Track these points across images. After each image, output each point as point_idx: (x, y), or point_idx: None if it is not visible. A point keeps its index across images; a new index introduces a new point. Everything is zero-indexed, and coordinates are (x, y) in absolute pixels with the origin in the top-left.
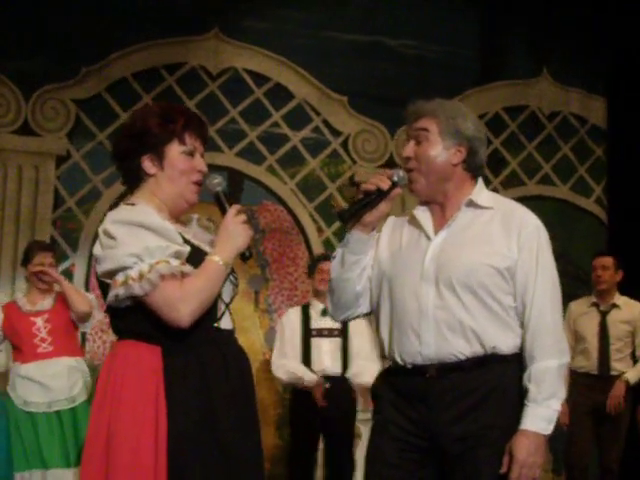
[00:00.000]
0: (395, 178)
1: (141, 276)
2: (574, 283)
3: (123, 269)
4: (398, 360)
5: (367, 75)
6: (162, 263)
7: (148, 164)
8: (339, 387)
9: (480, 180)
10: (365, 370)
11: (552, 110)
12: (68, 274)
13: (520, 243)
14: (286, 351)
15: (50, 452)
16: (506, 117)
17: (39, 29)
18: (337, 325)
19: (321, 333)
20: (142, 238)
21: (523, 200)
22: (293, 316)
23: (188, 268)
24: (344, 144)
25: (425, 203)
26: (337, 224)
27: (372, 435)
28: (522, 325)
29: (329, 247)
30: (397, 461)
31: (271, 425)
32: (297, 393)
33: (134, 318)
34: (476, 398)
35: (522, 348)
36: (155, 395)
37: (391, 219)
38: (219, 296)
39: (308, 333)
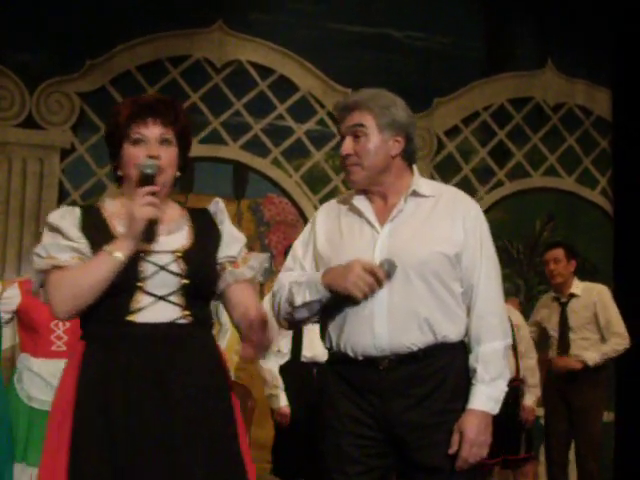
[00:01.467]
0: (387, 275)
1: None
2: (579, 274)
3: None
4: (348, 352)
5: (372, 67)
6: (47, 259)
7: (118, 168)
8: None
9: (415, 168)
10: None
11: (557, 101)
12: None
13: (465, 228)
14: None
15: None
16: (511, 109)
17: (43, 22)
18: None
19: None
20: (46, 237)
21: (528, 191)
22: None
23: (71, 262)
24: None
25: (363, 192)
26: None
27: (327, 430)
28: (467, 309)
29: None
30: (358, 456)
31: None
32: (283, 380)
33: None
34: (430, 386)
35: (467, 332)
36: (69, 392)
37: (324, 207)
38: (139, 288)
39: None
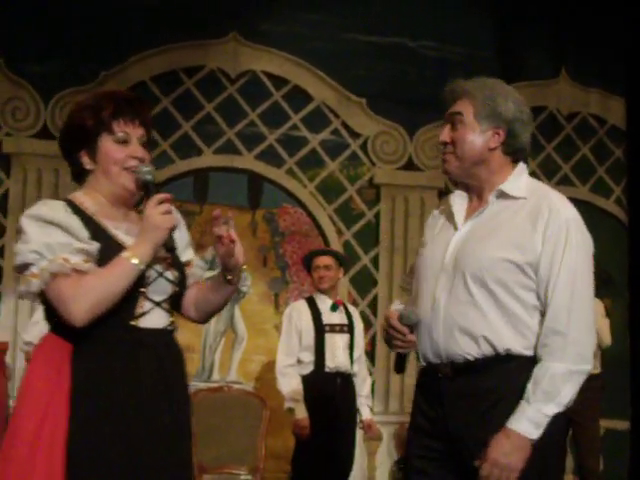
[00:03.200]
0: (409, 326)
1: (40, 273)
2: (595, 284)
3: (27, 265)
4: (422, 361)
5: (386, 77)
6: (59, 260)
7: (86, 160)
8: (348, 384)
9: (521, 165)
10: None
11: (571, 111)
12: None
13: (546, 236)
14: (293, 348)
15: None
16: None
17: (58, 33)
18: (345, 321)
19: (334, 329)
20: (46, 234)
21: None
22: (304, 310)
23: (87, 266)
24: (363, 146)
25: (464, 187)
26: (356, 226)
27: (408, 440)
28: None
29: (348, 249)
30: (422, 466)
31: (289, 426)
32: (306, 393)
33: (51, 312)
34: (488, 401)
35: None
36: (59, 395)
37: (431, 215)
38: (142, 294)
39: (322, 328)
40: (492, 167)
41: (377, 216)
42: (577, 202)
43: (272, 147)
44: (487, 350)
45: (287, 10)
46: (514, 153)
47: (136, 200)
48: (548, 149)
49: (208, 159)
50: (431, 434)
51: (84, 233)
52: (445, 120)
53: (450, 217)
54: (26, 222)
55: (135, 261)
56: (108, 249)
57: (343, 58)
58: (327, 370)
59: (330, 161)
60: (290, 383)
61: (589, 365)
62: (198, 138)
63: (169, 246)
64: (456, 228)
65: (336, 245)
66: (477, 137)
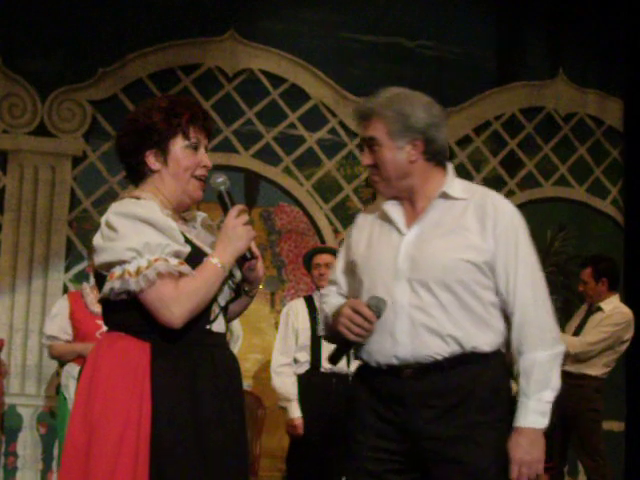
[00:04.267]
0: (376, 315)
1: (138, 272)
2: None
3: (121, 263)
4: (372, 362)
5: (384, 76)
6: (161, 261)
7: (152, 160)
8: (344, 384)
9: (450, 167)
10: None
11: (568, 111)
12: (84, 275)
13: (496, 234)
14: (289, 348)
15: None
16: (522, 118)
17: (55, 30)
18: None
19: None
20: (143, 233)
21: (539, 201)
22: (301, 309)
23: (186, 268)
24: (360, 145)
25: (394, 197)
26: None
27: (350, 441)
28: (506, 320)
29: None
30: (375, 470)
31: (284, 425)
32: (301, 392)
33: (127, 312)
34: (456, 397)
35: (507, 344)
36: (140, 394)
37: (360, 216)
38: (214, 299)
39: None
40: (420, 176)
41: None
42: (574, 203)
43: (269, 145)
44: (455, 349)
45: (285, 8)
46: (436, 157)
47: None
48: (545, 149)
49: None
50: (385, 436)
51: (180, 235)
52: (362, 143)
53: (388, 222)
54: (116, 219)
55: (222, 266)
56: (194, 253)
57: (341, 57)
58: (323, 370)
59: (327, 160)
60: (284, 382)
61: (563, 345)
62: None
63: (247, 256)
64: (401, 233)
65: (333, 244)
66: (397, 155)
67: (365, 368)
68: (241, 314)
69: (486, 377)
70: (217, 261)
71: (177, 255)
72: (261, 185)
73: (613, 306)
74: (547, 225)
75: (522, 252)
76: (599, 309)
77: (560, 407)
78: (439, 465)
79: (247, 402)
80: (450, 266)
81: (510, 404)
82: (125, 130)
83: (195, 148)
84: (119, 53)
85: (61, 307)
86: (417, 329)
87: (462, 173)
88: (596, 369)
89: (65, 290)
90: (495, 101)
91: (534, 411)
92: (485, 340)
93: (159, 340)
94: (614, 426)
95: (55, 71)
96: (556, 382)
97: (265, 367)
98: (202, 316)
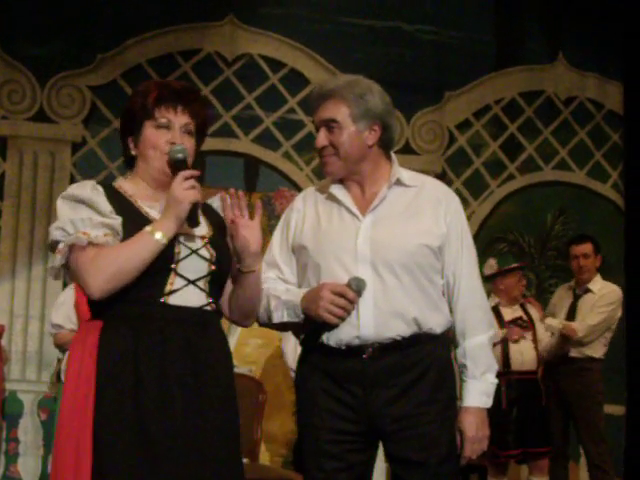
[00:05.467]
0: (358, 296)
1: (64, 248)
2: (600, 267)
3: (55, 242)
4: (330, 342)
5: (383, 61)
6: (79, 234)
7: (131, 145)
8: None
9: (394, 156)
10: None
11: (568, 95)
12: None
13: (447, 220)
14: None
15: None
16: (522, 102)
17: (54, 16)
18: None
19: None
20: (71, 211)
21: (539, 185)
22: None
23: (106, 239)
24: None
25: (339, 181)
26: None
27: (304, 425)
28: (449, 303)
29: None
30: (336, 452)
31: (287, 410)
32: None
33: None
34: (413, 375)
35: (449, 326)
36: (87, 377)
37: (300, 196)
38: (172, 270)
39: None
40: (372, 161)
41: None
42: (574, 186)
43: (268, 130)
44: (414, 330)
45: None
46: (388, 145)
47: None
48: (545, 133)
49: (204, 142)
50: (343, 417)
51: (107, 207)
52: (318, 124)
53: (336, 205)
54: (59, 203)
55: (158, 236)
56: (135, 225)
57: (340, 41)
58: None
59: None
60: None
61: (495, 329)
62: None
63: (192, 221)
64: (355, 216)
65: None
66: (356, 137)
67: (315, 351)
68: (254, 299)
69: (438, 356)
70: (149, 229)
71: (105, 226)
72: (261, 170)
73: (600, 285)
74: (547, 209)
75: (466, 240)
76: (588, 290)
77: (559, 392)
78: (396, 443)
79: (247, 387)
80: (411, 250)
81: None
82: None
83: (166, 127)
84: (118, 39)
85: (67, 296)
86: (381, 311)
87: (462, 157)
88: (599, 351)
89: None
90: (495, 85)
91: (482, 392)
92: (437, 322)
93: (109, 318)
94: (615, 410)
95: (54, 57)
96: (495, 364)
97: (265, 352)
98: (153, 289)
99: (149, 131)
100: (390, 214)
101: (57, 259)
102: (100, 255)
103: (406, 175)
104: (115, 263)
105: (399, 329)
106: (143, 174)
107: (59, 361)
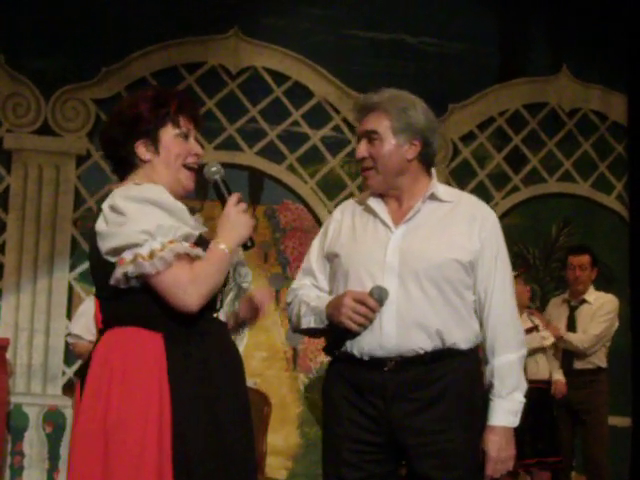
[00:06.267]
0: (379, 304)
1: (152, 254)
2: (597, 280)
3: (133, 246)
4: (354, 352)
5: (387, 73)
6: (176, 243)
7: (142, 150)
8: None
9: (434, 171)
10: None
11: (572, 107)
12: (88, 275)
13: (482, 237)
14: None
15: None
16: (526, 114)
17: (58, 29)
18: None
19: None
20: (155, 216)
21: (544, 197)
22: None
23: (199, 251)
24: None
25: (379, 195)
26: None
27: (327, 434)
28: (480, 319)
29: None
30: (356, 461)
31: (293, 423)
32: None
33: (135, 302)
34: (434, 391)
35: (478, 343)
36: (159, 384)
37: (340, 207)
38: (223, 287)
39: None
40: (412, 176)
41: None
42: (579, 198)
43: (273, 143)
44: (437, 344)
45: (288, 5)
46: (428, 161)
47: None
48: (549, 145)
49: (209, 155)
50: (364, 428)
51: (189, 218)
52: (360, 136)
53: (372, 217)
54: (124, 203)
55: (228, 252)
56: (198, 238)
57: (344, 54)
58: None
59: (331, 157)
60: None
61: (526, 349)
62: (199, 134)
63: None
64: (389, 228)
65: None
66: (396, 150)
67: (342, 361)
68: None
69: (462, 372)
70: (224, 247)
71: (187, 238)
72: (265, 183)
73: (596, 296)
74: (552, 220)
75: (502, 257)
76: (584, 301)
77: (565, 403)
78: (416, 459)
79: (253, 399)
80: (440, 263)
81: (483, 400)
82: (111, 122)
83: (185, 137)
84: (122, 51)
85: (87, 307)
86: (404, 322)
87: (466, 169)
88: (604, 360)
89: (70, 289)
90: (499, 97)
91: (509, 411)
92: (463, 337)
93: (170, 330)
94: (618, 422)
95: (58, 70)
96: (524, 383)
97: (270, 364)
98: (210, 304)
99: (170, 139)
100: (422, 227)
101: (145, 265)
102: (200, 268)
103: (443, 190)
104: (213, 278)
105: (421, 341)
106: (161, 180)
107: (64, 374)
